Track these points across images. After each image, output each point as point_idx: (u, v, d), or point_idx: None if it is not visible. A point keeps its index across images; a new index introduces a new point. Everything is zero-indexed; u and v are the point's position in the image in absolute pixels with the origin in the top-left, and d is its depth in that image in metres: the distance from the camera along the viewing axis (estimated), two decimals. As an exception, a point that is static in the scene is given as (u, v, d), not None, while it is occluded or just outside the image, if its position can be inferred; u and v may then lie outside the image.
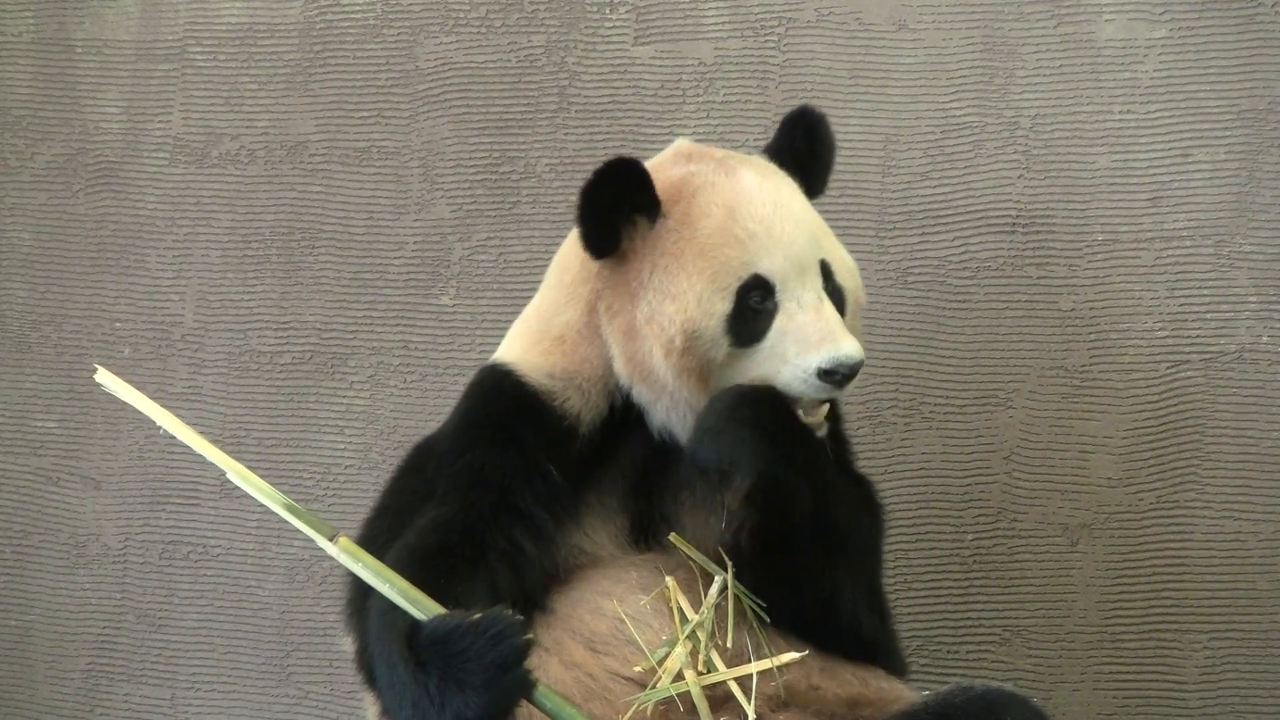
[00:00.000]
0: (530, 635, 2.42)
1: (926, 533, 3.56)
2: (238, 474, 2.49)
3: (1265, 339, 3.46)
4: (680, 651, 2.61)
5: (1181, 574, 3.47)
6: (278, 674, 3.81)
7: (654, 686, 2.59)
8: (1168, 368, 3.50)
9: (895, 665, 2.82)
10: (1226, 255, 3.48)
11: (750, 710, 2.58)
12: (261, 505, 2.51)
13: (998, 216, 3.57)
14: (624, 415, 2.77)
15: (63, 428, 3.93)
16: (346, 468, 3.79)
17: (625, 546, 2.76)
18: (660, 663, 2.61)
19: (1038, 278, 3.55)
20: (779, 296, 2.70)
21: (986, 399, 3.55)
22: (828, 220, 2.86)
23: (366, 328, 3.81)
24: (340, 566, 2.54)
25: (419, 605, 2.47)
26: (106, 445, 3.91)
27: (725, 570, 2.67)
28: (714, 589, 2.66)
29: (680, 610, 2.64)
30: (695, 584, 2.68)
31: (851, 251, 2.87)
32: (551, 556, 2.70)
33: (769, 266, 2.69)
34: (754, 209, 2.72)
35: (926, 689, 2.76)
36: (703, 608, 2.64)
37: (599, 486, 2.77)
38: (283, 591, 3.81)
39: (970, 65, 3.59)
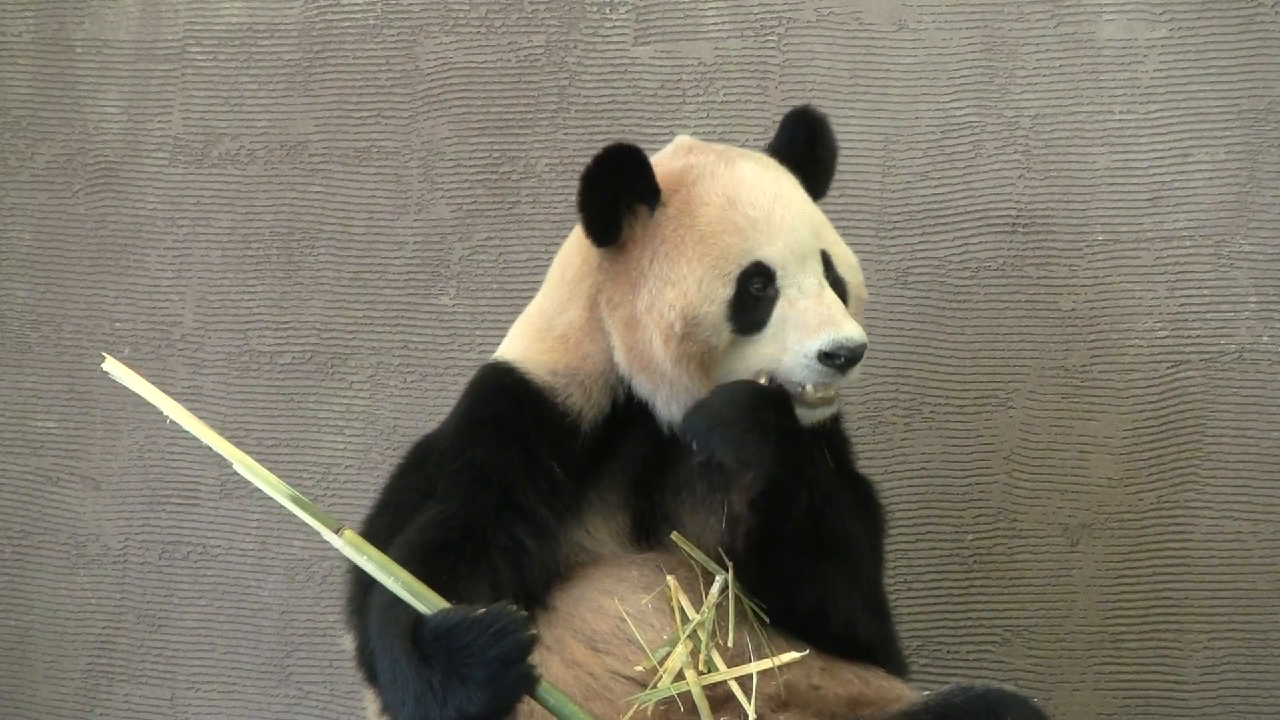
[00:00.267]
0: (534, 631, 2.42)
1: (926, 533, 3.56)
2: (245, 465, 2.49)
3: (1265, 339, 3.46)
4: (681, 651, 2.60)
5: (1181, 574, 3.47)
6: (277, 674, 3.81)
7: (655, 686, 2.59)
8: (1168, 368, 3.50)
9: (896, 665, 2.82)
10: (1226, 255, 3.48)
11: (751, 710, 2.58)
12: (261, 506, 2.51)
13: (998, 216, 3.57)
14: (626, 413, 2.77)
15: (63, 428, 3.93)
16: (346, 468, 3.79)
17: (626, 544, 2.76)
18: (661, 662, 2.61)
19: (1038, 278, 3.54)
20: (780, 283, 2.69)
21: (986, 399, 3.55)
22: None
23: (366, 328, 3.81)
24: (340, 566, 2.53)
25: (423, 599, 2.46)
26: (106, 445, 3.90)
27: (726, 570, 2.67)
28: (715, 588, 2.67)
29: (681, 610, 2.64)
30: (696, 583, 2.68)
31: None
32: (553, 554, 2.70)
33: (769, 253, 2.69)
34: (754, 197, 2.72)
35: (927, 689, 2.76)
36: (704, 607, 2.64)
37: (600, 484, 2.77)
38: (283, 591, 3.80)
39: (970, 65, 3.59)
